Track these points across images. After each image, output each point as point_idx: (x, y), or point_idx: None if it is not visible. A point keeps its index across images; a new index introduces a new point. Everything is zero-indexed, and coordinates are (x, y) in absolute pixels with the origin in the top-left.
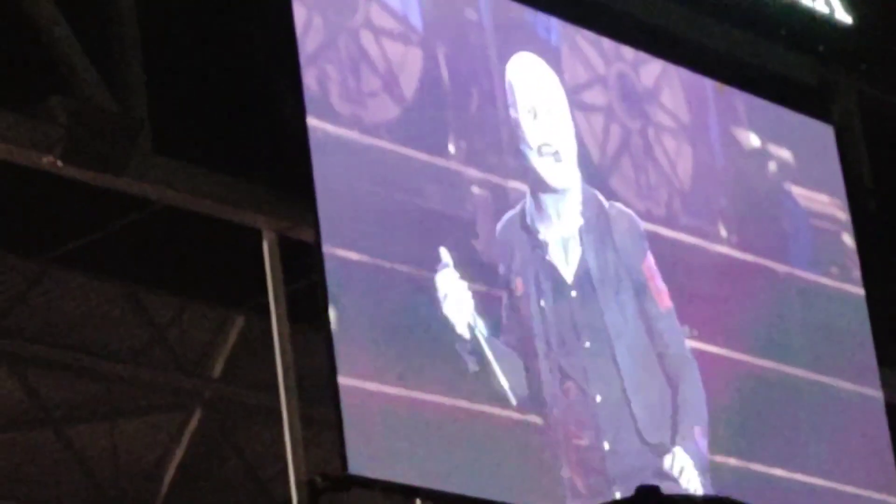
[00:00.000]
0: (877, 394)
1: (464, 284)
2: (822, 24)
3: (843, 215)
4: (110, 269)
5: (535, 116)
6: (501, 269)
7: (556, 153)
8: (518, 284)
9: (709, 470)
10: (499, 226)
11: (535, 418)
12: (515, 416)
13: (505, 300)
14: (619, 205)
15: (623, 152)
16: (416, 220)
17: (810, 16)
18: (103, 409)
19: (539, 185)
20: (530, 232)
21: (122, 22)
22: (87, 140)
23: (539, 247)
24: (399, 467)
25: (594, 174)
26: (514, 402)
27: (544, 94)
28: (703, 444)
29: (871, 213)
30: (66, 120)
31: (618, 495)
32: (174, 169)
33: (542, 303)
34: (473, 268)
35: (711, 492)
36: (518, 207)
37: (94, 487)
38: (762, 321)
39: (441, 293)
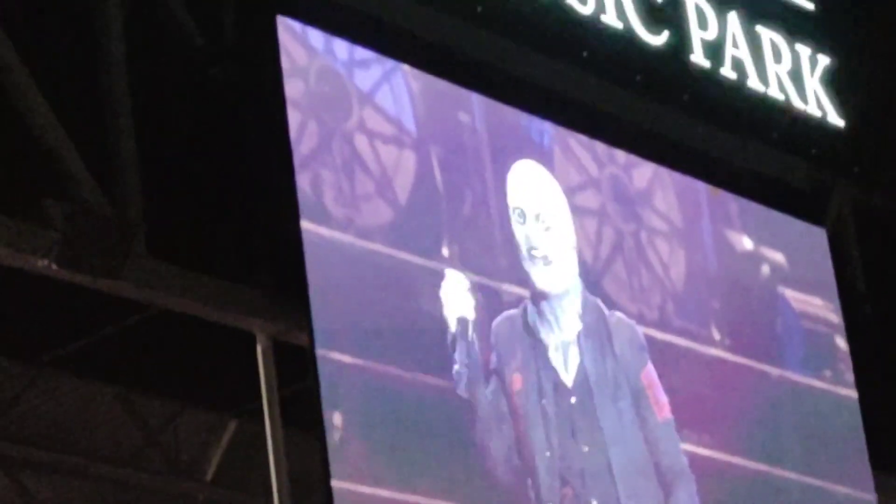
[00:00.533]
0: (870, 497)
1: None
2: (814, 128)
3: (836, 318)
4: (104, 372)
5: (523, 221)
6: (493, 363)
7: (545, 258)
8: (517, 380)
9: None
10: (496, 322)
11: None
12: None
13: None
14: (619, 314)
15: (616, 255)
16: (410, 323)
17: (803, 119)
18: None
19: (533, 290)
20: (532, 334)
21: (118, 127)
22: (82, 244)
23: (541, 348)
24: None
25: (588, 277)
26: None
27: (538, 199)
28: None
29: (864, 316)
30: (61, 224)
31: None
32: (169, 273)
33: (544, 402)
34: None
35: None
36: (520, 308)
37: None
38: (755, 423)
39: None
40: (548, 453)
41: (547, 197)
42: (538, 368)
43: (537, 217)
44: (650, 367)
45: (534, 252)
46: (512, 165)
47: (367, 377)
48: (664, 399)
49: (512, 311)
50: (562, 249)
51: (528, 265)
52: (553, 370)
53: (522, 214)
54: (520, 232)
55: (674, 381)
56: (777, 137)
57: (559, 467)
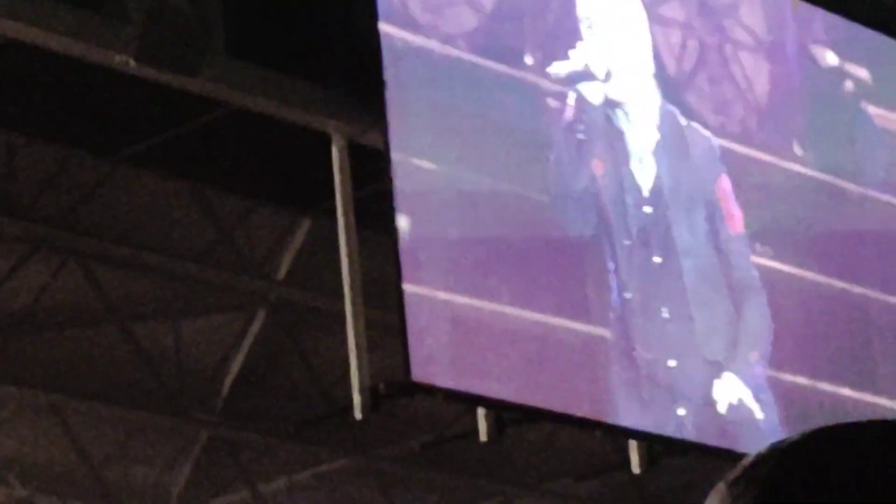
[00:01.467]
0: None
1: None
2: None
3: None
4: (179, 168)
5: (590, 27)
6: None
7: (609, 70)
8: (598, 165)
9: (768, 390)
10: (587, 109)
11: (602, 331)
12: (584, 328)
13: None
14: (696, 124)
15: (699, 67)
16: (490, 131)
17: None
18: (168, 307)
19: (607, 98)
20: (616, 135)
21: None
22: (160, 40)
23: (622, 151)
24: (462, 377)
25: (670, 88)
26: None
27: (609, 6)
28: (758, 369)
29: None
30: (140, 19)
31: (681, 412)
32: (246, 71)
33: (625, 198)
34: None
35: (772, 413)
36: (606, 107)
37: (156, 384)
38: (834, 239)
39: None
40: (627, 243)
41: (616, 3)
42: (618, 169)
43: (603, 27)
44: (725, 178)
45: (599, 63)
46: None
47: (445, 182)
48: (738, 212)
49: (601, 106)
50: (632, 59)
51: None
52: (631, 175)
53: (589, 21)
54: (589, 41)
55: (752, 194)
56: None
57: (631, 276)
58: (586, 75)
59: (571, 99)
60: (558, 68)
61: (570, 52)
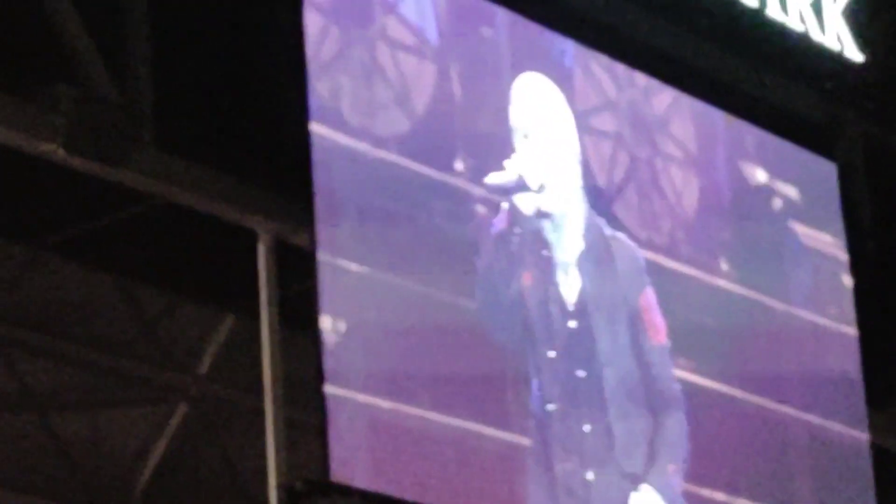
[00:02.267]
0: (864, 436)
1: None
2: (831, 61)
3: (843, 256)
4: (105, 259)
5: (526, 139)
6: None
7: (541, 185)
8: (527, 276)
9: None
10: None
11: (522, 440)
12: (505, 436)
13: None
14: (621, 235)
15: (629, 180)
16: (418, 235)
17: (821, 52)
18: (87, 398)
19: (537, 210)
20: (544, 246)
21: (132, 13)
22: (89, 130)
23: (549, 263)
24: (381, 479)
25: (599, 200)
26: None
27: (541, 117)
28: (676, 481)
29: (868, 253)
30: (70, 109)
31: None
32: (175, 165)
33: (549, 311)
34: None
35: None
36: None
37: (74, 475)
38: (757, 356)
39: None
40: (551, 355)
41: (555, 113)
42: (546, 282)
43: (540, 136)
44: (649, 290)
45: (532, 175)
46: (515, 79)
47: (371, 285)
48: (661, 323)
49: (532, 218)
50: (568, 169)
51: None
52: (557, 287)
53: (525, 133)
54: (522, 151)
55: (677, 308)
56: (794, 68)
57: (553, 386)
58: (520, 186)
59: (505, 210)
60: (494, 179)
61: (506, 163)
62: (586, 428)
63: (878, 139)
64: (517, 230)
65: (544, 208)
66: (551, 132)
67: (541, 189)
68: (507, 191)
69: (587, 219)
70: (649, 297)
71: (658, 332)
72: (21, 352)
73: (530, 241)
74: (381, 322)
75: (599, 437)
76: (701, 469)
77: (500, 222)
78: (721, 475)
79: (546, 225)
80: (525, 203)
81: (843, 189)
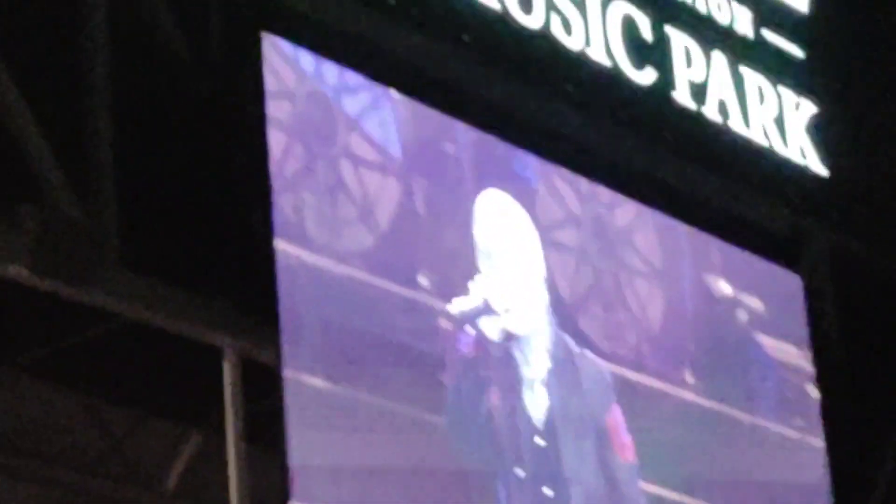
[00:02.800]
0: None
1: None
2: (796, 174)
3: (810, 367)
4: (69, 379)
5: (489, 259)
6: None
7: (507, 308)
8: (495, 395)
9: None
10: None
11: None
12: None
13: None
14: (588, 352)
15: (593, 293)
16: (384, 351)
17: (785, 165)
18: None
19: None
20: (510, 365)
21: (96, 134)
22: (54, 250)
23: (516, 382)
24: None
25: (563, 314)
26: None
27: (505, 237)
28: None
29: (836, 364)
30: (33, 229)
31: None
32: (140, 284)
33: (521, 429)
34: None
35: None
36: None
37: None
38: (724, 472)
39: None
40: (520, 474)
41: (517, 232)
42: (513, 399)
43: (500, 258)
44: (615, 407)
45: (498, 298)
46: (476, 197)
47: (336, 402)
48: (628, 441)
49: (499, 342)
50: (527, 291)
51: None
52: (524, 406)
53: (489, 254)
54: (486, 271)
55: (643, 422)
56: (758, 181)
57: (522, 501)
58: (486, 310)
59: (471, 335)
60: (459, 305)
61: (470, 285)
62: None
63: (843, 250)
64: (484, 355)
65: (511, 330)
66: (515, 252)
67: (506, 311)
68: (472, 316)
69: (553, 335)
70: (616, 415)
71: (625, 450)
72: None
73: (497, 362)
74: (348, 440)
75: None
76: None
77: (466, 347)
78: None
79: (513, 345)
80: (491, 327)
81: (808, 300)
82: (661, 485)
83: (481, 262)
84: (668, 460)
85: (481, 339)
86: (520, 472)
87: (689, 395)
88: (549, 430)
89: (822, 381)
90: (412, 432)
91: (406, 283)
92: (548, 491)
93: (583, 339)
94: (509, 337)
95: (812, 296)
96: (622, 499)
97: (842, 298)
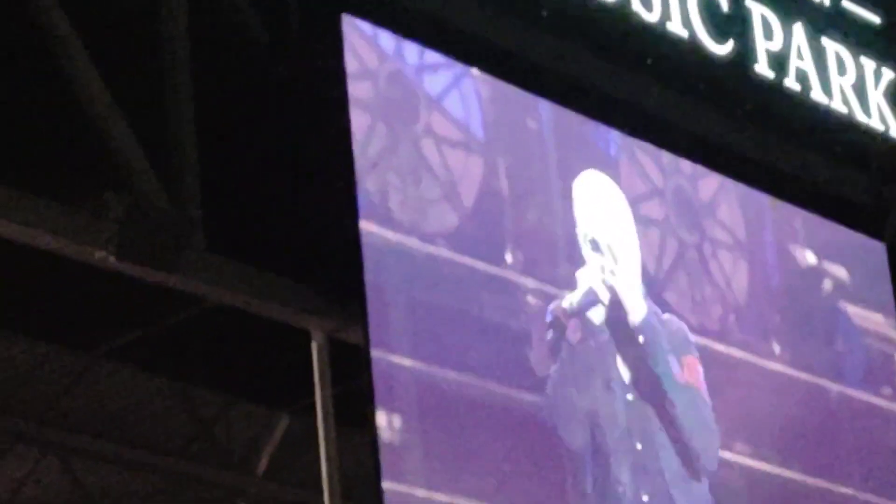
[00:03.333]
0: None
1: None
2: (877, 142)
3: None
4: (159, 363)
5: (595, 248)
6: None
7: (612, 285)
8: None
9: None
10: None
11: None
12: None
13: None
14: (669, 315)
15: (678, 266)
16: (470, 329)
17: (866, 133)
18: (147, 501)
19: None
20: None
21: (180, 122)
22: (140, 237)
23: (609, 346)
24: None
25: (650, 287)
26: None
27: (607, 223)
28: None
29: None
30: (120, 216)
31: None
32: (225, 267)
33: (616, 390)
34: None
35: None
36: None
37: None
38: (813, 440)
39: None
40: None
41: (617, 213)
42: (610, 368)
43: (610, 240)
44: (693, 357)
45: (603, 286)
46: (576, 178)
47: (424, 379)
48: (702, 379)
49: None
50: (631, 268)
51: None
52: (618, 370)
53: (594, 242)
54: (590, 257)
55: (731, 393)
56: (839, 150)
57: (618, 463)
58: (593, 302)
59: (577, 325)
60: (570, 300)
61: (577, 275)
62: (645, 498)
63: None
64: (591, 342)
65: (612, 312)
66: (616, 235)
67: (611, 299)
68: (584, 308)
69: (647, 308)
70: (694, 360)
71: (696, 379)
72: (79, 457)
73: (600, 347)
74: (435, 416)
75: None
76: None
77: (573, 334)
78: None
79: (613, 324)
80: (597, 315)
81: (893, 268)
82: (752, 456)
83: (584, 250)
84: (758, 431)
85: (587, 327)
86: (615, 435)
87: (776, 366)
88: (639, 387)
89: None
90: (499, 408)
91: (492, 261)
92: (638, 445)
93: (669, 310)
94: (612, 320)
95: (895, 264)
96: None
97: None
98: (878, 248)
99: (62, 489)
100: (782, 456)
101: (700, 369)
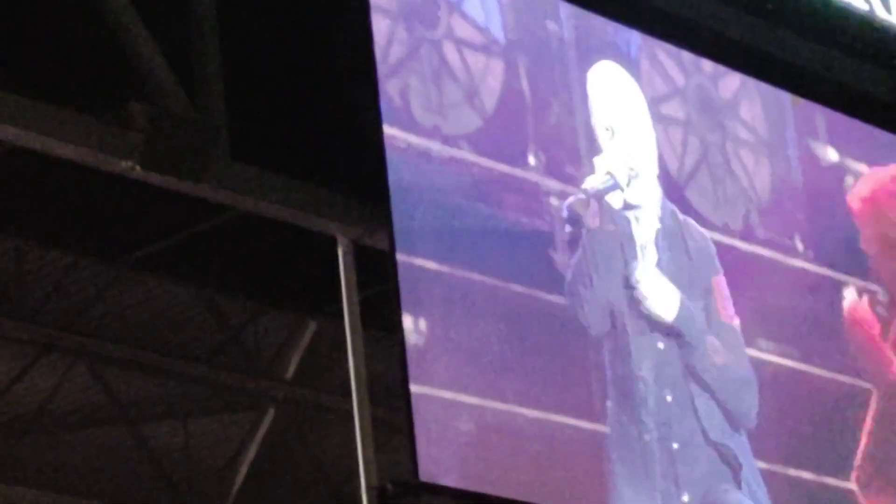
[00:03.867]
0: None
1: None
2: None
3: None
4: (186, 272)
5: (612, 135)
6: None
7: (630, 170)
8: (615, 266)
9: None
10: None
11: (604, 428)
12: (591, 426)
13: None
14: (692, 222)
15: (701, 165)
16: (494, 231)
17: (887, 30)
18: (177, 407)
19: (625, 204)
20: (627, 237)
21: (201, 30)
22: (165, 146)
23: (629, 243)
24: (469, 476)
25: (672, 186)
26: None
27: (623, 109)
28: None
29: None
30: (145, 126)
31: (685, 499)
32: (251, 175)
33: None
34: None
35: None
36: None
37: (166, 485)
38: (838, 335)
39: None
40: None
41: (633, 104)
42: (628, 262)
43: (626, 129)
44: (721, 278)
45: (622, 171)
46: (590, 69)
47: (449, 282)
48: (731, 310)
49: (620, 212)
50: (647, 160)
51: (620, 180)
52: (636, 268)
53: (611, 129)
54: (608, 147)
55: (755, 291)
56: (860, 47)
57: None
58: (613, 186)
59: (596, 210)
60: (590, 183)
61: (596, 161)
62: (668, 398)
63: None
64: (609, 227)
65: (631, 201)
66: (632, 122)
67: (629, 183)
68: (604, 193)
69: (662, 203)
70: (721, 282)
71: (730, 313)
72: (108, 365)
73: (620, 235)
74: (460, 318)
75: (683, 407)
76: (783, 448)
77: (591, 220)
78: (805, 454)
79: (630, 216)
80: (615, 199)
81: None
82: (775, 352)
83: (601, 138)
84: (782, 327)
85: (605, 212)
86: (637, 330)
87: (799, 263)
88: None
89: None
90: (525, 309)
91: (515, 163)
92: (661, 344)
93: (690, 210)
94: (628, 206)
95: None
96: (727, 361)
97: None
98: None
99: (92, 397)
100: (804, 352)
101: (727, 292)
